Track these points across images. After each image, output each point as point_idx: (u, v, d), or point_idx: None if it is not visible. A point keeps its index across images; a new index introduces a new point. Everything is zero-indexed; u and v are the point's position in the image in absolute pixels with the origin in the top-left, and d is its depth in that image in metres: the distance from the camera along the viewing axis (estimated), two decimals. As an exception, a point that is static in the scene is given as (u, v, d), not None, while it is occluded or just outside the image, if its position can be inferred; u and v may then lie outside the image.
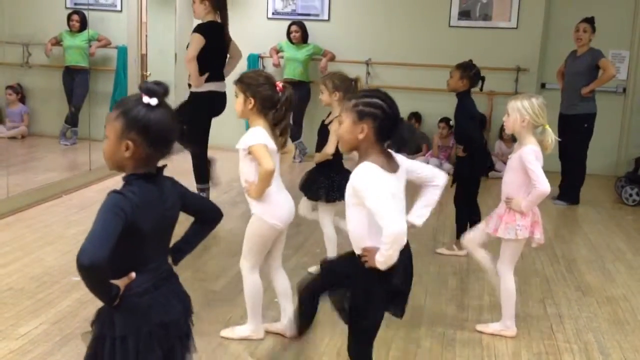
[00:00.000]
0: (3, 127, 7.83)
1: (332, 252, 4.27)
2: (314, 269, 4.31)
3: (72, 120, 7.82)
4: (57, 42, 7.85)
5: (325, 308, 3.71)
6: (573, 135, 6.37)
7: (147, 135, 1.87)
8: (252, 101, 3.09)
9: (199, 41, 5.18)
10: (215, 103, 5.42)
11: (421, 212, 2.59)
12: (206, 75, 5.25)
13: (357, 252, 2.43)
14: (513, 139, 7.74)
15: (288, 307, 3.32)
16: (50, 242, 4.59)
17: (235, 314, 3.59)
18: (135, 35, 7.09)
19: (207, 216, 2.23)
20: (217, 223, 2.25)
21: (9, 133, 7.66)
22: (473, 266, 4.54)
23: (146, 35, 7.29)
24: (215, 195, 6.00)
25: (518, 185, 3.36)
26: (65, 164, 7.48)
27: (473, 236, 3.66)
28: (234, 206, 5.79)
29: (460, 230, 4.69)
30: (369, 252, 2.35)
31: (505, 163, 7.55)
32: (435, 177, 2.55)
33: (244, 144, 3.07)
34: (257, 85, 3.09)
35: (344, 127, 2.38)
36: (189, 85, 5.41)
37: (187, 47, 5.33)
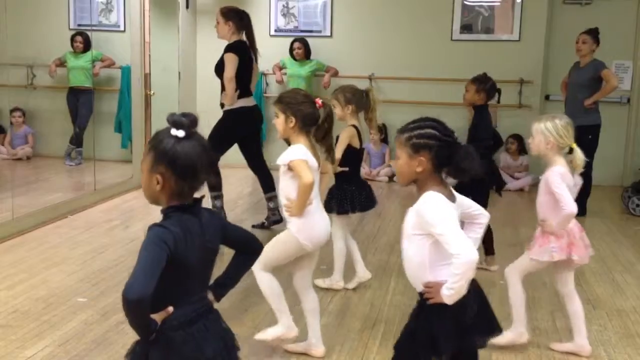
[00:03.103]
0: (5, 148, 7.85)
1: (340, 266, 4.25)
2: (320, 281, 4.29)
3: (76, 141, 7.84)
4: (61, 63, 7.89)
5: (329, 324, 3.69)
6: (578, 146, 6.34)
7: (174, 168, 1.86)
8: (294, 120, 3.08)
9: (234, 60, 5.23)
10: (248, 118, 5.48)
11: None
12: (237, 92, 5.29)
13: (418, 288, 2.33)
14: (519, 152, 7.74)
15: (315, 325, 3.30)
16: (56, 263, 4.58)
17: (242, 332, 3.56)
18: (138, 55, 7.13)
19: (248, 247, 2.16)
20: (259, 254, 2.19)
21: (13, 152, 7.69)
22: (482, 281, 4.50)
23: (149, 55, 7.31)
24: (220, 213, 6.00)
25: (550, 207, 3.33)
26: (70, 184, 7.49)
27: (515, 265, 3.53)
28: (240, 223, 5.74)
29: (487, 246, 4.66)
30: (433, 287, 2.24)
31: (511, 176, 7.61)
32: (482, 215, 2.45)
33: (284, 160, 3.06)
34: (297, 103, 3.09)
35: (401, 162, 2.29)
36: (222, 105, 5.47)
37: (217, 66, 5.39)
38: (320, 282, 4.28)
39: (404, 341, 2.35)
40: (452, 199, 2.30)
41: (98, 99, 7.74)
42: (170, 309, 1.85)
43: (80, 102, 7.80)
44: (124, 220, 5.80)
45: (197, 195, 1.96)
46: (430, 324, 2.26)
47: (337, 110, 4.14)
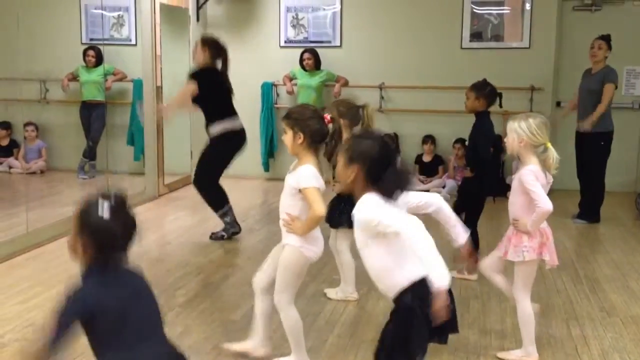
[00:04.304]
0: (19, 162, 7.93)
1: (351, 278, 4.24)
2: (332, 293, 4.29)
3: (89, 154, 7.91)
4: (74, 77, 7.96)
5: (342, 334, 3.69)
6: (590, 153, 6.33)
7: (95, 240, 2.01)
8: (302, 136, 3.05)
9: (191, 88, 5.41)
10: (233, 140, 5.60)
11: (457, 232, 2.64)
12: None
13: (390, 294, 2.36)
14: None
15: (262, 328, 3.29)
16: (71, 276, 4.56)
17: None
18: (150, 68, 7.19)
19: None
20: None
21: (27, 166, 7.75)
22: (495, 289, 4.48)
23: (161, 68, 7.37)
24: (232, 224, 6.01)
25: (522, 206, 3.33)
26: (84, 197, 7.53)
27: (489, 262, 3.59)
28: (250, 233, 5.80)
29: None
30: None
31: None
32: (428, 203, 2.50)
33: (297, 184, 3.03)
34: (305, 119, 3.07)
35: (339, 167, 2.39)
36: (206, 128, 5.57)
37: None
38: (333, 294, 4.28)
39: (383, 345, 2.39)
40: (391, 201, 2.33)
41: (110, 113, 7.81)
42: None
43: (93, 116, 7.86)
44: (137, 232, 5.80)
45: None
46: (405, 325, 2.30)
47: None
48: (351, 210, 4.08)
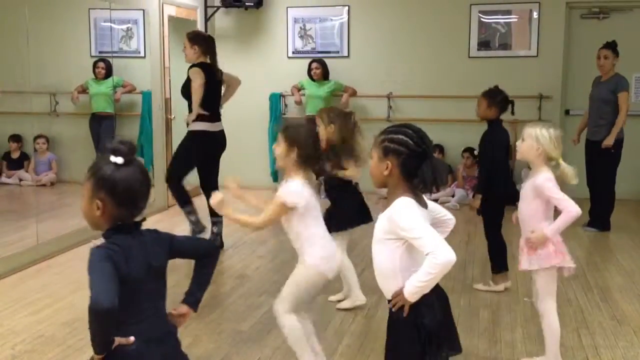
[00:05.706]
0: (29, 175, 7.96)
1: (354, 281, 4.24)
2: (344, 303, 4.28)
3: (99, 166, 7.94)
4: (83, 89, 8.00)
5: (351, 345, 3.67)
6: (600, 161, 6.30)
7: (114, 194, 1.91)
8: (296, 151, 3.03)
9: (200, 73, 5.38)
10: (208, 142, 5.58)
11: None
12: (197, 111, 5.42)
13: (387, 295, 2.33)
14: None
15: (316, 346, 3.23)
16: (80, 288, 4.61)
17: (263, 355, 3.57)
18: (159, 80, 7.23)
19: (201, 253, 2.24)
20: (215, 256, 2.26)
21: (37, 178, 7.79)
22: (504, 298, 4.47)
23: (169, 80, 7.41)
24: (242, 234, 6.02)
25: (536, 213, 3.28)
26: (93, 209, 7.55)
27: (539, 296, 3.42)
28: (261, 245, 5.80)
29: (495, 263, 4.62)
30: (400, 295, 2.24)
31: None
32: (451, 220, 2.47)
33: (278, 196, 3.02)
34: (302, 139, 3.05)
35: (373, 162, 2.33)
36: (187, 124, 5.57)
37: (183, 87, 5.55)
38: (345, 304, 4.27)
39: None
40: (424, 205, 2.30)
41: (120, 124, 7.83)
42: (132, 339, 1.88)
43: (102, 128, 7.89)
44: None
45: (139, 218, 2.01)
46: (404, 340, 2.26)
47: (321, 129, 4.16)
48: (339, 215, 4.10)
